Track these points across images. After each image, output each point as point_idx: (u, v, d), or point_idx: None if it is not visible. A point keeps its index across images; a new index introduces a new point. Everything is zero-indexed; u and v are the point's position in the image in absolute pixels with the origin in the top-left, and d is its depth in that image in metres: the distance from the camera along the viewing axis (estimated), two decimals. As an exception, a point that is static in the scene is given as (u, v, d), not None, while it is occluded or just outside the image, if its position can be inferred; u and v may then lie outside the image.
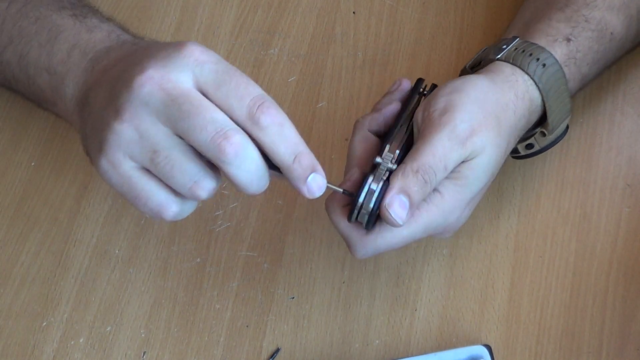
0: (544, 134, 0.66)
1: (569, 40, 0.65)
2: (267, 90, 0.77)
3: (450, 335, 0.67)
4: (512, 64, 0.63)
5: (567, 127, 0.67)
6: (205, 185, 0.52)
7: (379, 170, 0.59)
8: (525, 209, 0.71)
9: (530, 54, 0.63)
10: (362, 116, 0.64)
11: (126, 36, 0.62)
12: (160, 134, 0.51)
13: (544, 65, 0.63)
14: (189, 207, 0.55)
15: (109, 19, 0.65)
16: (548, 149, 0.67)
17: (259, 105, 0.51)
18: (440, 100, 0.60)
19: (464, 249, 0.70)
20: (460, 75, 0.68)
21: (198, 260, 0.71)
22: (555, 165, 0.72)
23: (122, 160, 0.52)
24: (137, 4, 0.81)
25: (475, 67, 0.67)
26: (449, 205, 0.60)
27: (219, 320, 0.69)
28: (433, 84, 0.65)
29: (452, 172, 0.59)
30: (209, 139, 0.50)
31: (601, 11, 0.67)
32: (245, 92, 0.51)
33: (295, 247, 0.71)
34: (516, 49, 0.64)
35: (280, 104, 0.76)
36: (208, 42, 0.79)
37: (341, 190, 0.59)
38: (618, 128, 0.73)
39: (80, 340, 0.68)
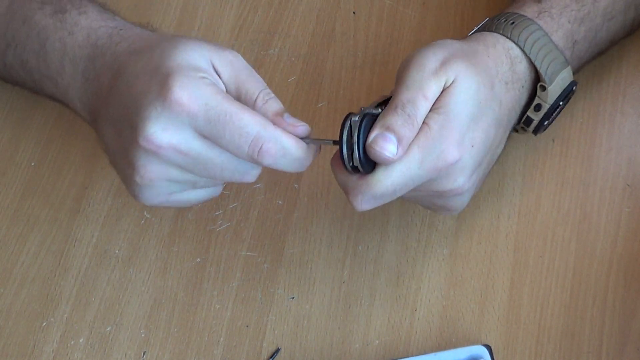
0: (543, 88, 0.65)
1: (539, 1, 0.67)
2: (267, 90, 0.77)
3: (450, 335, 0.67)
4: (481, 31, 0.65)
5: (574, 82, 0.67)
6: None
7: (360, 111, 0.58)
8: (525, 209, 0.71)
9: (498, 19, 0.65)
10: None
11: (102, 41, 0.62)
12: (189, 176, 0.58)
13: (512, 23, 0.64)
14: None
15: (86, 5, 0.65)
16: (557, 105, 0.66)
17: (258, 151, 0.55)
18: (410, 54, 0.61)
19: (464, 249, 0.70)
20: None
21: (198, 260, 0.71)
22: (555, 165, 0.72)
23: (163, 197, 0.59)
24: (137, 4, 0.81)
25: None
26: (437, 134, 0.58)
27: (219, 320, 0.69)
28: None
29: (434, 106, 0.59)
30: (236, 180, 0.58)
31: None
32: (241, 141, 0.55)
33: (295, 247, 0.71)
34: (485, 23, 0.66)
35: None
36: (208, 42, 0.79)
37: (330, 141, 0.59)
38: (618, 128, 0.73)
39: (80, 340, 0.68)
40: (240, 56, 0.58)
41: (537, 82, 0.65)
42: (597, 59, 0.73)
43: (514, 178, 0.72)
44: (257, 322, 0.68)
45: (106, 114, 0.59)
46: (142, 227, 0.72)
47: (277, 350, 0.67)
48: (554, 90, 0.65)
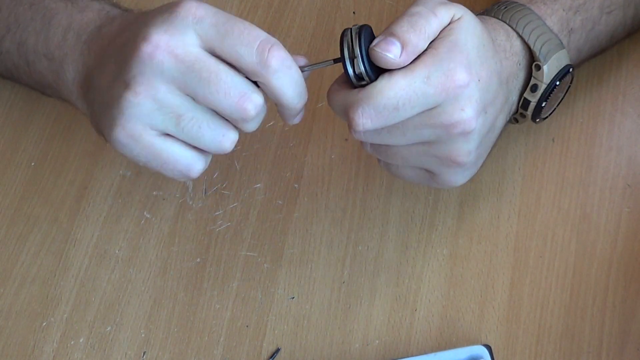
0: (538, 67, 0.65)
1: None
2: (267, 90, 0.77)
3: (450, 335, 0.67)
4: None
5: (570, 66, 0.66)
6: (231, 139, 0.56)
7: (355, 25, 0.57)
8: (525, 209, 0.71)
9: (491, 7, 0.66)
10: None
11: (115, 11, 0.62)
12: (179, 99, 0.53)
13: (505, 7, 0.65)
14: (208, 161, 0.57)
15: None
16: (555, 84, 0.65)
17: (268, 49, 0.53)
18: None
19: (464, 249, 0.70)
20: None
21: (198, 260, 0.71)
22: (555, 165, 0.72)
23: (143, 131, 0.54)
24: (137, 4, 0.81)
25: None
26: (445, 55, 0.56)
27: (219, 320, 0.69)
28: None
29: (440, 34, 0.57)
30: (233, 103, 0.53)
31: None
32: (250, 37, 0.53)
33: (295, 247, 0.71)
34: (478, 13, 0.66)
35: (280, 104, 0.76)
36: (208, 42, 0.79)
37: (330, 60, 0.58)
38: (618, 128, 0.73)
39: (80, 340, 0.68)
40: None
41: (532, 63, 0.65)
42: (597, 59, 0.73)
43: (514, 178, 0.72)
44: (257, 322, 0.68)
45: (105, 55, 0.57)
46: (142, 227, 0.72)
47: (277, 350, 0.67)
48: (549, 69, 0.65)
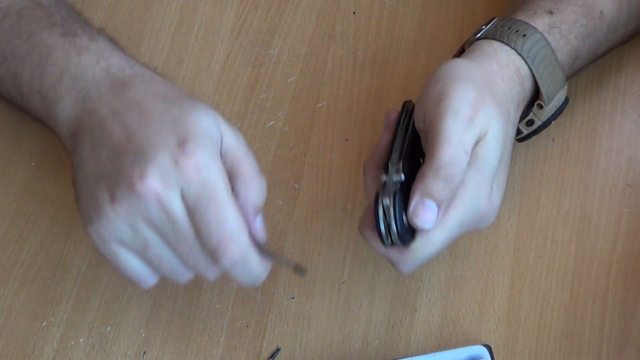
0: (540, 106, 0.65)
1: (551, 12, 0.65)
2: (267, 90, 0.78)
3: (450, 335, 0.67)
4: (490, 39, 0.64)
5: (567, 99, 0.67)
6: (186, 277, 0.58)
7: (386, 185, 0.57)
8: (525, 209, 0.71)
9: (509, 28, 0.64)
10: (367, 158, 0.63)
11: (114, 67, 0.61)
12: (152, 235, 0.55)
13: (524, 35, 0.63)
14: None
15: (99, 32, 0.64)
16: (549, 123, 0.66)
17: (222, 249, 0.54)
18: (430, 93, 0.60)
19: (464, 249, 0.70)
20: None
21: (198, 260, 0.71)
22: (555, 165, 0.72)
23: (112, 242, 0.56)
24: (137, 4, 0.81)
25: (460, 53, 0.67)
26: (474, 192, 0.57)
27: (219, 320, 0.69)
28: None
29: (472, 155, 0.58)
30: (190, 266, 0.57)
31: None
32: (216, 230, 0.54)
33: (295, 247, 0.71)
34: (495, 26, 0.65)
35: (281, 104, 0.77)
36: (208, 42, 0.79)
37: (292, 263, 0.63)
38: (618, 128, 0.73)
39: (80, 340, 0.68)
40: (242, 137, 0.59)
41: (534, 98, 0.65)
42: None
43: (514, 178, 0.72)
44: (257, 322, 0.68)
45: (100, 135, 0.57)
46: (142, 227, 0.72)
47: (277, 350, 0.67)
48: (549, 109, 0.66)
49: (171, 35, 0.80)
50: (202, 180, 0.54)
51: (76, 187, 0.58)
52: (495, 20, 0.66)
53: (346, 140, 0.75)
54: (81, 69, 0.61)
